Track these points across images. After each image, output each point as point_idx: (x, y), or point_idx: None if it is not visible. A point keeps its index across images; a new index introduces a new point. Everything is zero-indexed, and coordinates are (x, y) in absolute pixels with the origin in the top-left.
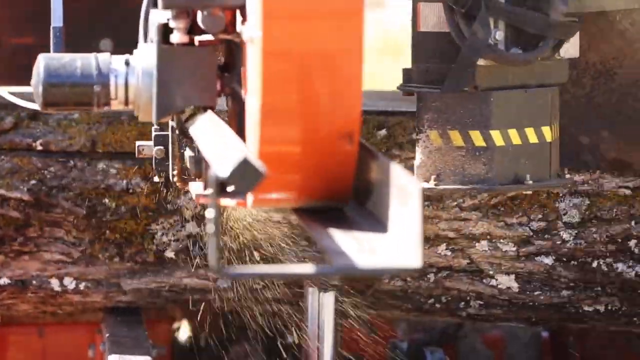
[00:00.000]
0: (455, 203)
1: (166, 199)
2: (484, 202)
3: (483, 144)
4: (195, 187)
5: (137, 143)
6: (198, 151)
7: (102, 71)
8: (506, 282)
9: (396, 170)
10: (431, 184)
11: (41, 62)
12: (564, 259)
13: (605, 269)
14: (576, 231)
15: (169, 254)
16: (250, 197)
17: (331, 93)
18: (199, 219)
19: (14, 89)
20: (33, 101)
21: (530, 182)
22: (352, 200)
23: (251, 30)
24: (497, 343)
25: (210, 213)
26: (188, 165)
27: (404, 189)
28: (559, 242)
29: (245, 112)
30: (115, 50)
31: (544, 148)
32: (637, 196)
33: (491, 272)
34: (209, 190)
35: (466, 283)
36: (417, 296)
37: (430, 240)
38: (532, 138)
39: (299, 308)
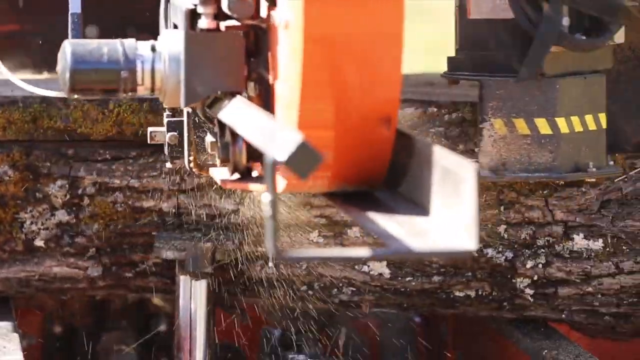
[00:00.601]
0: None
1: (35, 188)
2: None
3: (549, 131)
4: (220, 173)
5: (150, 129)
6: (223, 136)
7: (128, 57)
8: (378, 268)
9: (442, 152)
10: (497, 173)
11: (67, 48)
12: None
13: (475, 254)
14: None
15: (39, 242)
16: (282, 182)
17: (370, 77)
18: (70, 207)
19: None
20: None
21: (594, 169)
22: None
23: (285, 15)
24: (370, 329)
25: (266, 197)
26: (210, 150)
27: (453, 171)
28: None
29: (273, 98)
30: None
31: (601, 135)
32: (501, 183)
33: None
34: (267, 173)
35: (339, 270)
36: (290, 283)
37: (302, 227)
38: (591, 125)
39: (171, 296)
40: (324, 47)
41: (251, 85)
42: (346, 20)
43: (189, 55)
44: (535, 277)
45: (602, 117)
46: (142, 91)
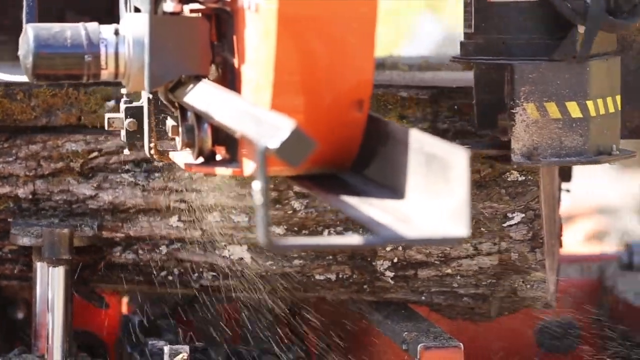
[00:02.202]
0: (187, 174)
1: None
2: None
3: (580, 115)
4: (183, 157)
5: (107, 115)
6: (186, 120)
7: (92, 41)
8: (239, 252)
9: (424, 138)
10: (530, 159)
11: (30, 32)
12: (295, 229)
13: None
14: (307, 201)
15: None
16: (250, 165)
17: (343, 60)
18: None
19: None
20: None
21: (617, 152)
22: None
23: None
24: (233, 314)
25: (257, 185)
26: (171, 135)
27: (440, 157)
28: (290, 212)
29: (238, 81)
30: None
31: (618, 117)
32: None
33: (224, 244)
34: (259, 160)
35: (199, 255)
36: (149, 269)
37: (161, 212)
38: (611, 107)
39: (29, 283)
40: (297, 30)
41: (213, 68)
42: (319, 3)
43: (154, 39)
44: (395, 260)
45: (619, 99)
46: (106, 75)
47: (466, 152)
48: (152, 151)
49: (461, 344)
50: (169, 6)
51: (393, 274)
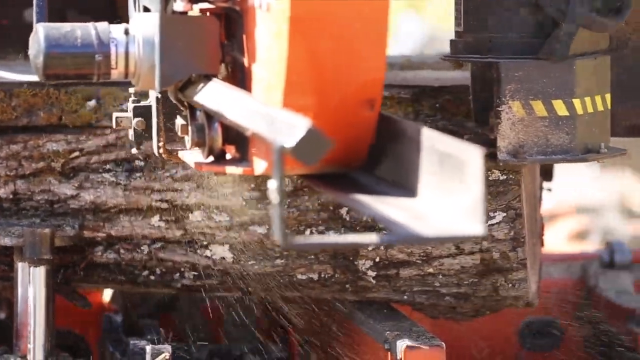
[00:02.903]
0: (168, 174)
1: None
2: (196, 172)
3: (566, 113)
4: (193, 156)
5: (115, 114)
6: (195, 119)
7: (102, 40)
8: (220, 252)
9: (437, 136)
10: (516, 157)
11: (41, 32)
12: None
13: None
14: (289, 200)
15: None
16: (261, 164)
17: (354, 58)
18: None
19: None
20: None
21: (605, 150)
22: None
23: None
24: (215, 312)
25: (273, 184)
26: (180, 133)
27: (454, 155)
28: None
29: (248, 81)
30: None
31: (607, 115)
32: None
33: (205, 243)
34: (275, 159)
35: (180, 254)
36: (130, 268)
37: (143, 212)
38: (600, 106)
39: (10, 283)
40: (309, 30)
41: (222, 67)
42: (331, 2)
43: (164, 38)
44: (377, 259)
45: (608, 98)
46: (116, 75)
47: (481, 150)
48: (161, 150)
49: (443, 343)
50: (178, 5)
51: (375, 273)
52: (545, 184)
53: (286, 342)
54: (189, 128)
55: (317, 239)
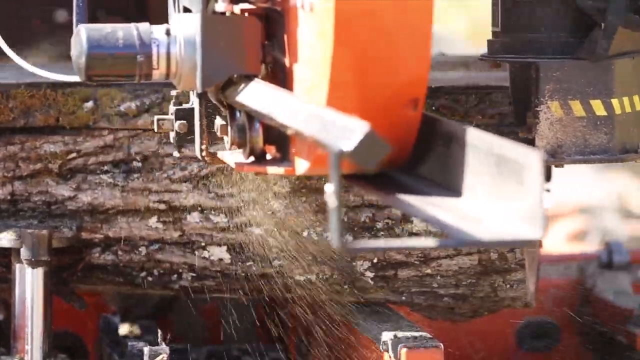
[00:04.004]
0: (166, 175)
1: None
2: (194, 173)
3: (604, 113)
4: (233, 156)
5: (156, 117)
6: (235, 119)
7: (144, 41)
8: (218, 253)
9: (492, 139)
10: (555, 157)
11: (83, 33)
12: (275, 229)
13: (316, 238)
14: (287, 201)
15: None
16: (303, 164)
17: (398, 57)
18: None
19: None
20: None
21: None
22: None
23: None
24: (213, 313)
25: (330, 187)
26: (219, 134)
27: (511, 158)
28: (269, 212)
29: (289, 81)
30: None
31: None
32: None
33: (203, 244)
34: (332, 162)
35: (178, 255)
36: (128, 270)
37: (140, 213)
38: (638, 106)
39: (8, 285)
40: (353, 29)
41: (262, 67)
42: (375, 1)
43: (205, 39)
44: (375, 260)
45: None
46: (157, 75)
47: (540, 154)
48: (204, 153)
49: (441, 344)
50: (219, 6)
51: (373, 274)
52: (544, 185)
53: (284, 343)
54: (229, 128)
55: (373, 243)
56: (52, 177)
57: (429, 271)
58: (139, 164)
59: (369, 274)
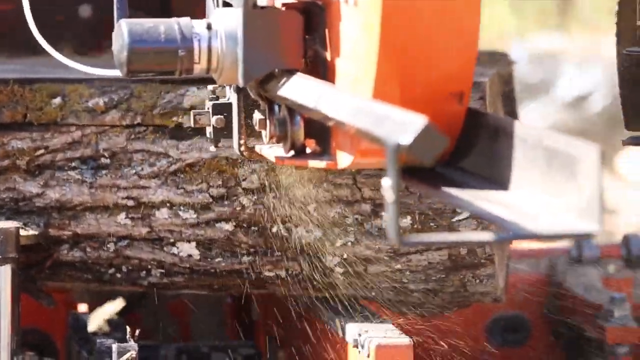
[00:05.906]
0: (134, 171)
1: None
2: (163, 169)
3: None
4: (273, 150)
5: (193, 112)
6: (273, 113)
7: (185, 35)
8: (187, 249)
9: (546, 132)
10: None
11: (124, 27)
12: (244, 225)
13: (285, 234)
14: (256, 197)
15: None
16: (345, 158)
17: (444, 50)
18: None
19: None
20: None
21: None
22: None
23: None
24: (182, 310)
25: (387, 182)
26: (258, 128)
27: (565, 152)
28: (238, 208)
29: (331, 75)
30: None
31: None
32: None
33: (172, 240)
34: (389, 157)
35: (147, 252)
36: (97, 266)
37: (109, 210)
38: None
39: None
40: (399, 23)
41: (303, 62)
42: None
43: (247, 33)
44: (345, 256)
45: None
46: (198, 70)
47: (597, 147)
48: (242, 148)
49: (411, 339)
50: (261, 0)
51: (343, 269)
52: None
53: (254, 339)
54: (268, 123)
55: (430, 237)
56: (20, 173)
57: (398, 266)
58: (107, 160)
59: (339, 270)
